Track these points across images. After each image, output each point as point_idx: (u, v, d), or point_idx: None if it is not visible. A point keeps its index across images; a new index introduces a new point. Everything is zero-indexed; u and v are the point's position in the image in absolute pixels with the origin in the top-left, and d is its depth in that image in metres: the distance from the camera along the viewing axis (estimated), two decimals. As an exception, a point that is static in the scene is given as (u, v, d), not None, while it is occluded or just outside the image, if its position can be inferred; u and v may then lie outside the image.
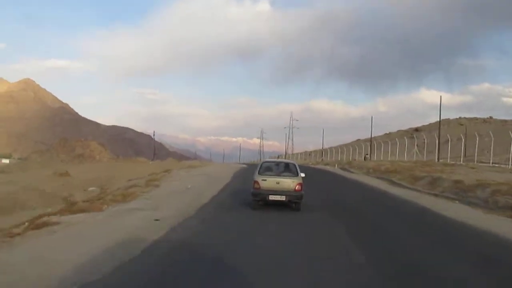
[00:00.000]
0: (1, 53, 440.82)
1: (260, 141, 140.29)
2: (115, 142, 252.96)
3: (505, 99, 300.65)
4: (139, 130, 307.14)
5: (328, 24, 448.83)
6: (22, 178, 36.43)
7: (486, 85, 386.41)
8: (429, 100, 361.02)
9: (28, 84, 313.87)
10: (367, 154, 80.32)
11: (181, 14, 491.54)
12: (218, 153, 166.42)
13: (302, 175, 17.13)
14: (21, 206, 18.98)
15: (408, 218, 16.81)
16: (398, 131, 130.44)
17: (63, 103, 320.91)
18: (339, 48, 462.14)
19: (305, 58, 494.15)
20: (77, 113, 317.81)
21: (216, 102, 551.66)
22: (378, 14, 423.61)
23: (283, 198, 16.41)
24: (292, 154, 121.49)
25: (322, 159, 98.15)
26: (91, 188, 26.03)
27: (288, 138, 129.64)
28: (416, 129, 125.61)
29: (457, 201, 21.85)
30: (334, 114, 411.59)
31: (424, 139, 71.59)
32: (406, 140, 74.77)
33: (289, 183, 16.58)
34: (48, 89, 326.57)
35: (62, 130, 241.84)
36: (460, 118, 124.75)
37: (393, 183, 32.65)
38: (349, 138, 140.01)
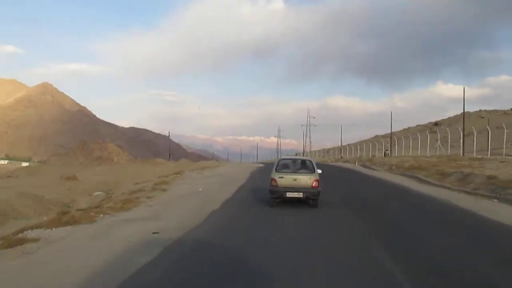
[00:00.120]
0: (19, 58, 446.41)
1: (278, 140, 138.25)
2: (134, 144, 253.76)
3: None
4: (157, 131, 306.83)
5: (343, 20, 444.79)
6: (27, 182, 35.20)
7: (504, 77, 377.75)
8: (446, 94, 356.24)
9: (46, 88, 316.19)
10: (387, 150, 78.12)
11: (197, 14, 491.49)
12: (235, 152, 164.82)
13: (319, 171, 17.11)
14: (15, 215, 17.34)
15: (453, 224, 14.22)
16: (417, 125, 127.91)
17: (81, 106, 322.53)
18: (354, 44, 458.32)
19: (320, 55, 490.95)
20: (95, 116, 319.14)
21: (233, 101, 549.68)
22: (393, 8, 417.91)
23: (300, 195, 16.40)
24: (310, 151, 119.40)
25: (341, 156, 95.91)
26: (96, 193, 24.44)
27: (306, 135, 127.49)
28: (436, 123, 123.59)
29: (495, 200, 19.59)
30: (351, 111, 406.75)
31: (447, 133, 68.86)
32: (429, 135, 72.37)
33: (306, 179, 16.62)
34: (66, 93, 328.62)
35: (81, 133, 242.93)
36: (480, 111, 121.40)
37: (419, 180, 30.48)
38: (367, 134, 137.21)
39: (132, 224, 12.14)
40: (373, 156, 72.30)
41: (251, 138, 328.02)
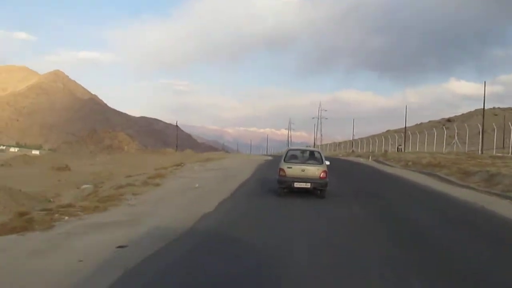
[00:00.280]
0: (31, 45, 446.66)
1: (288, 132, 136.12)
2: (144, 133, 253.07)
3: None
4: (168, 121, 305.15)
5: (358, 14, 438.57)
6: (18, 173, 33.06)
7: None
8: (459, 91, 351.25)
9: (57, 76, 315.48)
10: (400, 145, 75.68)
11: (210, 4, 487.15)
12: (245, 144, 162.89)
13: (327, 163, 17.27)
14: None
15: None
16: (430, 121, 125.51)
17: (92, 94, 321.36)
18: (368, 39, 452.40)
19: (334, 49, 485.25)
20: (106, 105, 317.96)
21: (244, 92, 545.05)
22: (408, 3, 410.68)
23: (308, 185, 16.54)
24: (321, 145, 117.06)
25: (352, 150, 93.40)
26: (84, 186, 22.29)
27: (317, 128, 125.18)
28: (449, 120, 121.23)
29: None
30: (363, 105, 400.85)
31: (461, 130, 66.24)
32: (446, 131, 69.69)
33: (314, 170, 16.74)
34: (77, 81, 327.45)
35: (92, 121, 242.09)
36: (494, 108, 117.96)
37: (440, 179, 27.90)
38: (379, 129, 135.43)
39: (99, 231, 9.77)
40: (386, 151, 69.76)
41: (261, 130, 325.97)
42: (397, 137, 79.91)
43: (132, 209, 12.84)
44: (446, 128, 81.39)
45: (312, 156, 18.16)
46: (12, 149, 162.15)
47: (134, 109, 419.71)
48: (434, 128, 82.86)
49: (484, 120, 63.97)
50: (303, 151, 19.28)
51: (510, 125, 46.08)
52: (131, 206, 13.36)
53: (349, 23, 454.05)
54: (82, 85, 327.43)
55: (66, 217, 11.09)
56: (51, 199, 19.79)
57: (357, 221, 12.77)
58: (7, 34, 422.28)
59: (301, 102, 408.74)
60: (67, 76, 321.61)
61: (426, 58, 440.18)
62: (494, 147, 54.52)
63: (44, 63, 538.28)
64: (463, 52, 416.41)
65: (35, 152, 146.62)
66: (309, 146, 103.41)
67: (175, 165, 29.14)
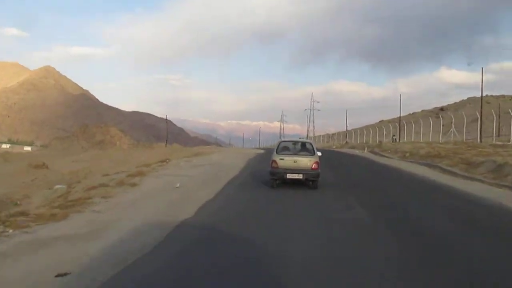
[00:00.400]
0: (22, 41, 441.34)
1: (281, 124, 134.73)
2: (137, 128, 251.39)
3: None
4: (160, 116, 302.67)
5: (349, 5, 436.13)
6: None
7: (506, 64, 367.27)
8: (449, 80, 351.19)
9: (48, 72, 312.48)
10: (394, 135, 74.20)
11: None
12: (239, 137, 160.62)
13: (319, 154, 17.45)
14: None
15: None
16: (422, 110, 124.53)
17: (83, 90, 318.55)
18: (360, 30, 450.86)
19: (325, 40, 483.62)
20: (97, 100, 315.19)
21: (237, 86, 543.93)
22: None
23: (300, 176, 16.71)
24: (314, 136, 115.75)
25: (346, 142, 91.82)
26: (57, 186, 20.34)
27: (309, 120, 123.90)
28: (442, 109, 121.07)
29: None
30: (355, 96, 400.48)
31: (456, 118, 64.74)
32: (441, 120, 68.12)
33: (306, 161, 16.94)
34: (68, 76, 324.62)
35: (83, 116, 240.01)
36: (487, 96, 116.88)
37: (443, 170, 26.18)
38: (371, 119, 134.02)
39: (43, 251, 7.81)
40: (380, 141, 68.21)
41: (254, 123, 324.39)
42: (391, 127, 78.43)
43: (96, 217, 10.95)
44: (439, 117, 79.99)
45: (304, 148, 18.35)
46: (4, 146, 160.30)
47: (126, 104, 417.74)
48: (429, 118, 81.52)
49: (474, 108, 62.94)
50: (295, 143, 19.37)
51: (510, 111, 44.30)
52: (96, 213, 11.45)
53: (341, 14, 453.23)
54: (74, 80, 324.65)
55: (11, 230, 9.16)
56: (18, 202, 17.88)
57: (367, 231, 10.62)
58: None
59: (294, 94, 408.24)
60: (58, 72, 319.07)
61: (417, 48, 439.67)
62: (493, 135, 53.02)
63: (35, 59, 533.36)
64: (453, 41, 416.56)
65: (27, 148, 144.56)
66: (302, 138, 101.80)
67: (159, 161, 27.22)
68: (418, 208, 13.98)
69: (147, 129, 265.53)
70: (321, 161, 17.45)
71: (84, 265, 7.09)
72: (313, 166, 16.79)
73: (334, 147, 74.50)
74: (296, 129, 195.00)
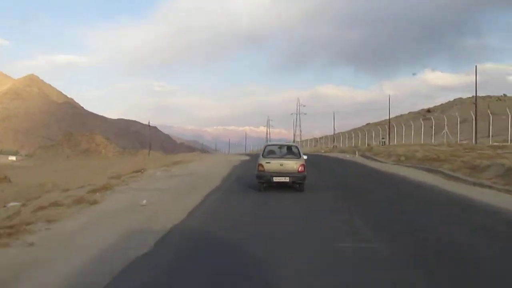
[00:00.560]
0: (4, 50, 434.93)
1: (267, 129, 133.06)
2: (122, 135, 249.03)
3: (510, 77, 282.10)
4: (145, 123, 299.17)
5: (330, 9, 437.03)
6: None
7: (489, 65, 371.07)
8: (434, 82, 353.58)
9: (32, 80, 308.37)
10: (383, 138, 72.56)
11: (186, 4, 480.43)
12: (225, 142, 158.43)
13: (305, 157, 17.60)
14: None
15: None
16: (409, 113, 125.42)
17: (68, 98, 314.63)
18: (343, 33, 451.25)
19: (309, 44, 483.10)
20: (82, 108, 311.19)
21: (222, 91, 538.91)
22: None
23: (286, 179, 16.87)
24: (301, 141, 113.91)
25: (334, 145, 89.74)
26: (11, 204, 17.88)
27: (296, 124, 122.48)
28: (428, 110, 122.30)
29: None
30: (341, 99, 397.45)
31: (450, 119, 63.21)
32: (433, 121, 66.59)
33: (292, 164, 17.10)
34: (52, 85, 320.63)
35: (68, 125, 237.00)
36: (473, 97, 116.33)
37: (445, 176, 23.93)
38: (358, 123, 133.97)
39: None
40: (369, 145, 66.32)
41: (240, 128, 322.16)
42: (381, 130, 76.87)
43: (22, 255, 8.25)
44: (427, 119, 78.82)
45: (290, 151, 18.53)
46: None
47: (111, 111, 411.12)
48: (417, 119, 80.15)
49: (462, 110, 61.66)
50: (280, 146, 19.58)
51: (509, 112, 42.34)
52: (27, 248, 8.80)
53: (323, 17, 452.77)
54: (58, 88, 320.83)
55: None
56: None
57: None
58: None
59: (279, 99, 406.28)
60: (42, 80, 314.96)
61: (401, 50, 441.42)
62: (490, 136, 51.26)
63: (18, 68, 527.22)
64: (436, 43, 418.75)
65: (12, 157, 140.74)
66: (288, 142, 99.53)
67: (134, 172, 24.63)
68: (448, 233, 10.66)
69: (133, 136, 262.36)
70: (307, 164, 17.52)
71: None
72: (299, 169, 16.94)
73: (322, 151, 71.98)
74: (282, 134, 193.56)
